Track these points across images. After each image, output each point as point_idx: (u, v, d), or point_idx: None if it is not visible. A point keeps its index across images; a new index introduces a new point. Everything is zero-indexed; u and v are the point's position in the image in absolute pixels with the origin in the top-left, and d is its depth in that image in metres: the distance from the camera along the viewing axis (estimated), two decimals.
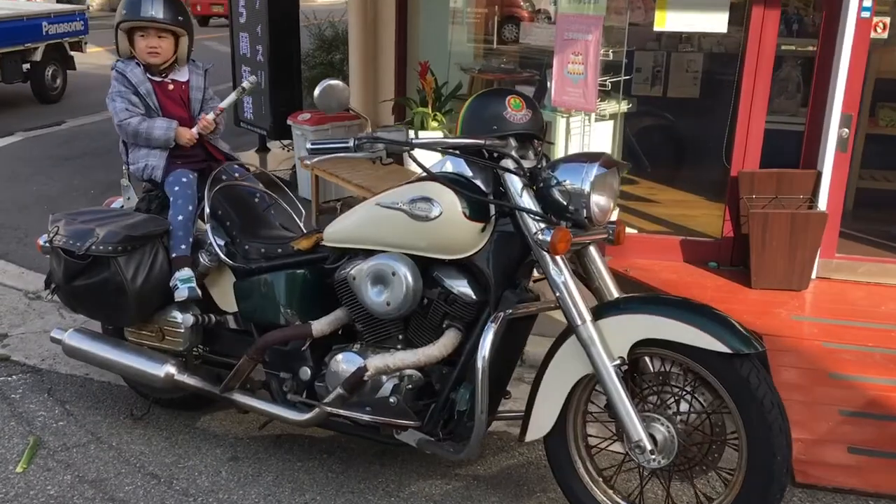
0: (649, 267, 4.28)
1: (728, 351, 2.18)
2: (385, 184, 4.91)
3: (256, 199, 3.17)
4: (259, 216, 3.08)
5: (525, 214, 2.38)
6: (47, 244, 2.91)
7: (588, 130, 4.64)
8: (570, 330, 2.38)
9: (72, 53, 10.38)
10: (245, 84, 3.26)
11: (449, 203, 2.43)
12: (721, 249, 4.30)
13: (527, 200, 2.39)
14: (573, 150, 4.68)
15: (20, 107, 9.51)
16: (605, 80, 4.46)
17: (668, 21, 4.14)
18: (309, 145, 2.45)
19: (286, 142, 6.45)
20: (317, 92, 2.38)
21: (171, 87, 3.14)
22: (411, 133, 5.21)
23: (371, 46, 6.00)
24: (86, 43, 10.73)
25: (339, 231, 2.73)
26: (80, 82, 10.91)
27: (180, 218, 2.93)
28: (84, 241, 2.78)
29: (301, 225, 3.27)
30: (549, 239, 2.28)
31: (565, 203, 2.37)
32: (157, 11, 2.97)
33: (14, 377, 3.44)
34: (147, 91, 3.06)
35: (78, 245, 2.78)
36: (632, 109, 4.76)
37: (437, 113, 5.36)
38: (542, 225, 2.35)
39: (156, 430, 3.07)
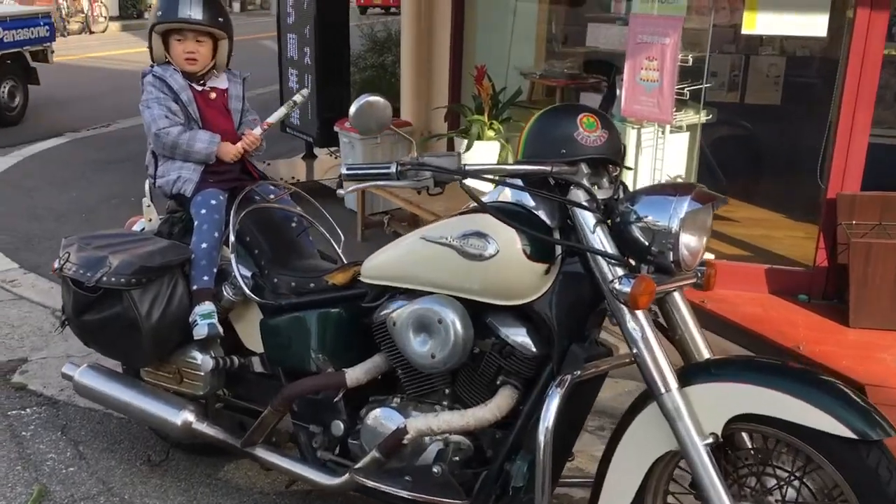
0: (730, 298, 3.84)
1: (852, 436, 1.76)
2: (435, 200, 4.57)
3: (293, 224, 2.86)
4: (292, 243, 2.76)
5: (599, 257, 2.00)
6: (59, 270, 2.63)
7: (661, 143, 4.22)
8: (650, 395, 2.00)
9: (34, 65, 8.82)
10: (297, 97, 2.92)
11: (506, 240, 2.07)
12: (813, 280, 3.83)
13: (601, 240, 2.02)
14: (644, 164, 4.27)
15: (70, 106, 9.42)
16: (683, 88, 4.04)
17: (759, 23, 3.69)
18: (343, 170, 2.11)
19: (334, 149, 6.15)
20: (352, 110, 2.03)
21: (212, 95, 2.85)
22: (464, 157, 4.86)
23: (424, 48, 5.66)
24: (52, 52, 9.23)
25: (378, 266, 2.38)
26: (49, 96, 9.78)
27: (204, 245, 2.63)
28: (95, 271, 2.49)
29: (339, 251, 2.94)
30: (628, 290, 1.89)
31: (647, 244, 1.99)
32: (196, 12, 2.68)
33: (28, 410, 3.18)
34: (188, 99, 2.78)
35: (88, 275, 2.49)
36: (711, 120, 4.31)
37: (494, 121, 5.00)
38: (620, 271, 1.97)
39: (174, 480, 2.77)
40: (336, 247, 2.94)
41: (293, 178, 5.95)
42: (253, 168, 2.92)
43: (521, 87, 5.15)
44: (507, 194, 2.22)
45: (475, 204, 2.12)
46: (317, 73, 5.70)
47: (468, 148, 4.84)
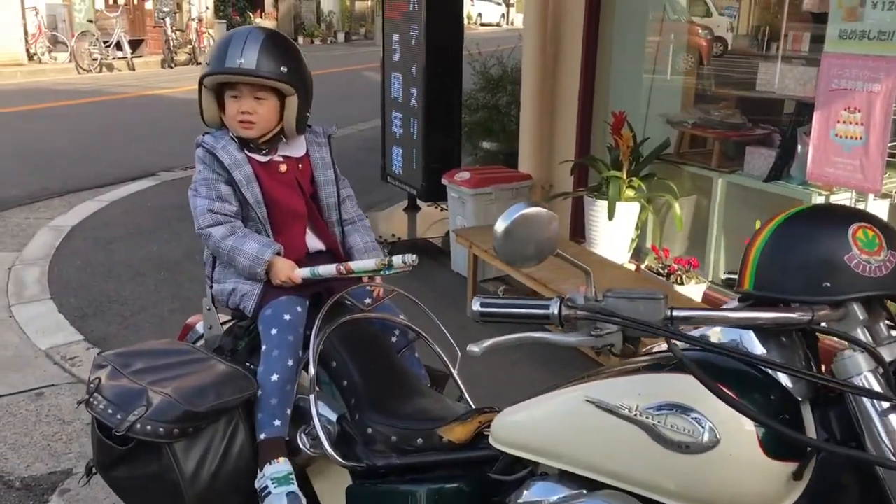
0: None
1: None
2: (573, 280, 3.82)
3: (395, 337, 2.18)
4: (393, 369, 2.07)
5: None
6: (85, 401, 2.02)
7: None
8: None
9: None
10: (396, 260, 1.99)
11: (729, 423, 1.32)
12: None
13: None
14: None
15: (168, 142, 9.13)
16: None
17: None
18: (475, 306, 1.41)
19: (441, 203, 5.49)
20: (500, 230, 1.32)
21: (282, 168, 2.20)
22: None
23: (548, 90, 4.95)
24: None
25: (517, 427, 1.65)
26: (151, 131, 9.49)
27: (274, 378, 1.96)
28: (127, 412, 1.86)
29: (455, 372, 2.23)
30: None
31: None
32: (250, 59, 2.04)
33: None
34: (246, 177, 2.14)
35: (118, 419, 1.86)
36: None
37: (634, 178, 4.23)
38: None
39: None
40: (451, 368, 2.23)
41: (393, 235, 5.32)
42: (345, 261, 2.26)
43: (670, 138, 4.36)
44: (717, 335, 1.46)
45: (668, 355, 1.38)
46: (424, 117, 5.08)
47: (611, 213, 4.08)
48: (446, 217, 5.58)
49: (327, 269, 2.06)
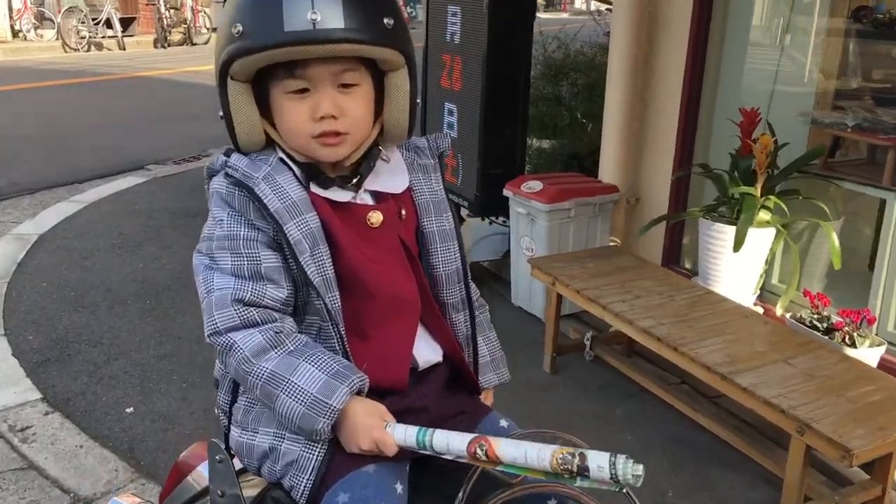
0: None
1: None
2: (701, 326, 2.85)
3: None
4: None
5: None
6: None
7: None
8: None
9: None
10: (604, 470, 0.96)
11: None
12: None
13: None
14: None
15: (161, 129, 8.12)
16: None
17: None
18: None
19: (501, 220, 4.46)
20: None
21: (373, 218, 1.23)
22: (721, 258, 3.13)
23: (640, 80, 3.96)
24: None
25: None
26: (141, 117, 8.60)
27: None
28: None
29: None
30: None
31: None
32: (333, 14, 1.09)
33: None
34: (309, 234, 1.16)
35: None
36: None
37: (771, 196, 3.26)
38: None
39: None
40: None
41: None
42: (474, 380, 1.29)
43: (823, 145, 3.37)
44: None
45: None
46: (483, 110, 4.06)
47: (739, 243, 3.10)
48: (499, 233, 4.61)
49: (450, 441, 1.06)
